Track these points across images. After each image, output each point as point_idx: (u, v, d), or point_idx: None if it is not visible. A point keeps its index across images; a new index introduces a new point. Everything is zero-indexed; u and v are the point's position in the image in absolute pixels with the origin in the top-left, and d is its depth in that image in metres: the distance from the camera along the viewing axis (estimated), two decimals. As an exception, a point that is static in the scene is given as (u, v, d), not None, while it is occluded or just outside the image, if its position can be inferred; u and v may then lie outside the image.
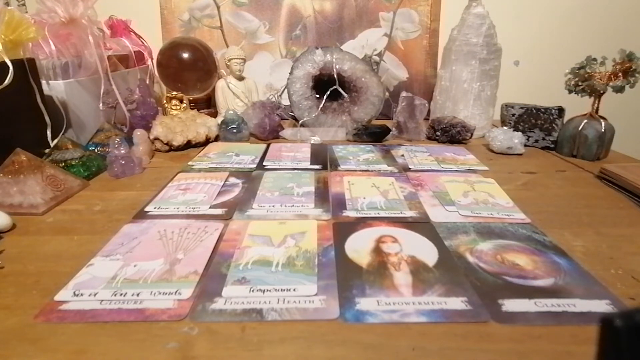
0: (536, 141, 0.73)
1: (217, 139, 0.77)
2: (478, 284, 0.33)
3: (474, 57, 0.76)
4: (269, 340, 0.28)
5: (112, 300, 0.31)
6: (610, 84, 0.63)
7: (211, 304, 0.31)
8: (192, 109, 0.82)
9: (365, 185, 0.54)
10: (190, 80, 0.85)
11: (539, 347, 0.27)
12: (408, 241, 0.40)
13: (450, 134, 0.75)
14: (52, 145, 0.62)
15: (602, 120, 0.65)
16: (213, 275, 0.35)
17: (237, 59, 0.84)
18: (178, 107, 0.79)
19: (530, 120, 0.72)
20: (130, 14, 0.92)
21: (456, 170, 0.61)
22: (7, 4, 0.88)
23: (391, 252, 0.38)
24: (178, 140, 0.70)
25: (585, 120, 0.66)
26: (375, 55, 0.96)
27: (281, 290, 0.33)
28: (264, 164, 0.63)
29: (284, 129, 0.80)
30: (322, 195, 0.51)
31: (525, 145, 0.70)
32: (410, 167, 0.62)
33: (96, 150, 0.64)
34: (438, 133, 0.76)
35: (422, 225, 0.44)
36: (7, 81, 0.55)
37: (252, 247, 0.39)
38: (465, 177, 0.57)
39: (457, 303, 0.31)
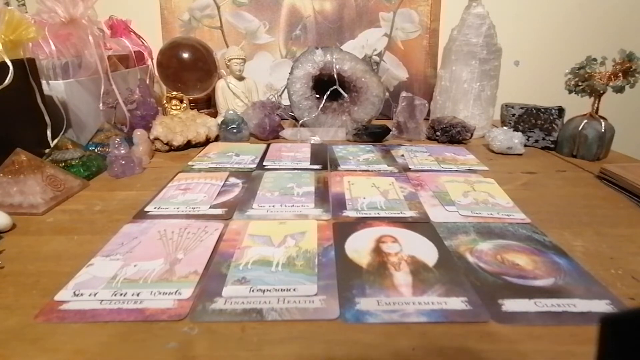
0: (536, 141, 0.73)
1: (217, 139, 0.77)
2: (478, 284, 0.33)
3: (474, 57, 0.76)
4: (269, 340, 0.28)
5: (112, 300, 0.31)
6: (610, 84, 0.63)
7: (211, 304, 0.31)
8: (192, 109, 0.82)
9: (365, 185, 0.54)
10: (190, 80, 0.85)
11: (539, 347, 0.27)
12: (408, 241, 0.40)
13: (450, 134, 0.75)
14: (52, 145, 0.62)
15: (602, 120, 0.65)
16: (213, 275, 0.35)
17: (237, 59, 0.84)
18: (178, 107, 0.79)
19: (530, 120, 0.72)
20: (130, 14, 0.92)
21: (456, 170, 0.61)
22: (7, 4, 0.88)
23: (391, 252, 0.38)
24: (178, 140, 0.70)
25: (585, 120, 0.66)
26: (375, 55, 0.96)
27: (281, 290, 0.33)
28: (264, 164, 0.63)
29: (284, 129, 0.80)
30: (322, 195, 0.51)
31: (525, 145, 0.70)
32: (410, 167, 0.62)
33: (96, 150, 0.64)
34: (438, 133, 0.76)
35: (422, 225, 0.44)
36: (7, 81, 0.55)
37: (252, 247, 0.39)
38: (465, 177, 0.57)
39: (457, 303, 0.31)
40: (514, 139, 0.68)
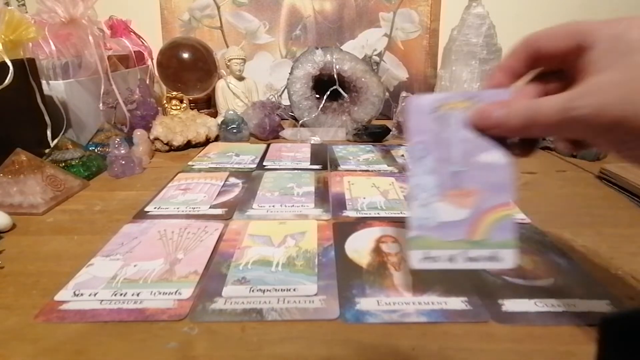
0: (536, 141, 0.73)
1: (217, 139, 0.77)
2: (478, 284, 0.33)
3: (474, 57, 0.76)
4: (269, 340, 0.28)
5: (112, 300, 0.31)
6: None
7: (211, 303, 0.31)
8: (192, 109, 0.82)
9: (365, 185, 0.54)
10: (190, 80, 0.85)
11: (539, 347, 0.27)
12: (408, 241, 0.40)
13: (450, 134, 0.75)
14: (52, 145, 0.62)
15: (602, 120, 0.65)
16: (213, 275, 0.35)
17: (237, 59, 0.84)
18: (178, 107, 0.79)
19: (530, 120, 0.72)
20: (130, 14, 0.92)
21: (456, 170, 0.60)
22: (7, 4, 0.88)
23: (391, 252, 0.38)
24: (178, 140, 0.70)
25: (585, 120, 0.66)
26: (375, 55, 0.96)
27: (281, 290, 0.33)
28: (264, 164, 0.63)
29: (284, 129, 0.80)
30: (322, 195, 0.51)
31: (525, 145, 0.70)
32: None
33: (96, 150, 0.64)
34: (438, 133, 0.76)
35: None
36: (7, 81, 0.55)
37: (252, 247, 0.39)
38: (465, 177, 0.57)
39: (457, 303, 0.31)
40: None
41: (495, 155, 0.24)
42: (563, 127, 0.22)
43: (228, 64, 0.85)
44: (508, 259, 0.25)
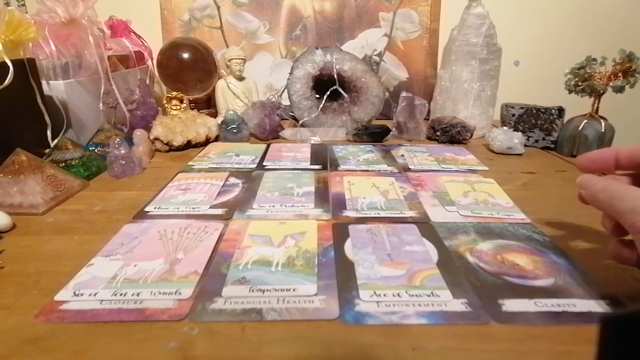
0: (536, 141, 0.73)
1: (217, 139, 0.77)
2: (478, 284, 0.33)
3: (474, 57, 0.75)
4: (269, 340, 0.28)
5: (112, 300, 0.31)
6: (610, 84, 0.63)
7: (211, 303, 0.31)
8: (192, 109, 0.82)
9: (365, 185, 0.54)
10: (191, 81, 0.85)
11: (539, 347, 0.27)
12: (408, 241, 0.40)
13: (450, 134, 0.75)
14: (52, 145, 0.62)
15: (602, 120, 0.65)
16: (213, 275, 0.35)
17: (237, 59, 0.84)
18: (178, 107, 0.79)
19: (530, 120, 0.72)
20: (130, 14, 0.92)
21: (456, 170, 0.61)
22: (7, 4, 0.88)
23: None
24: (178, 141, 0.70)
25: (585, 120, 0.66)
26: (375, 55, 0.96)
27: (281, 290, 0.33)
28: (264, 164, 0.63)
29: (284, 129, 0.80)
30: (322, 195, 0.51)
31: (525, 145, 0.70)
32: (410, 167, 0.62)
33: (96, 150, 0.64)
34: (438, 133, 0.76)
35: (422, 225, 0.44)
36: (7, 81, 0.55)
37: (252, 247, 0.39)
38: (465, 177, 0.57)
39: (457, 305, 0.31)
40: (514, 139, 0.68)
41: (415, 247, 0.39)
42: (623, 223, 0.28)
43: (228, 64, 0.85)
44: (445, 295, 0.32)
